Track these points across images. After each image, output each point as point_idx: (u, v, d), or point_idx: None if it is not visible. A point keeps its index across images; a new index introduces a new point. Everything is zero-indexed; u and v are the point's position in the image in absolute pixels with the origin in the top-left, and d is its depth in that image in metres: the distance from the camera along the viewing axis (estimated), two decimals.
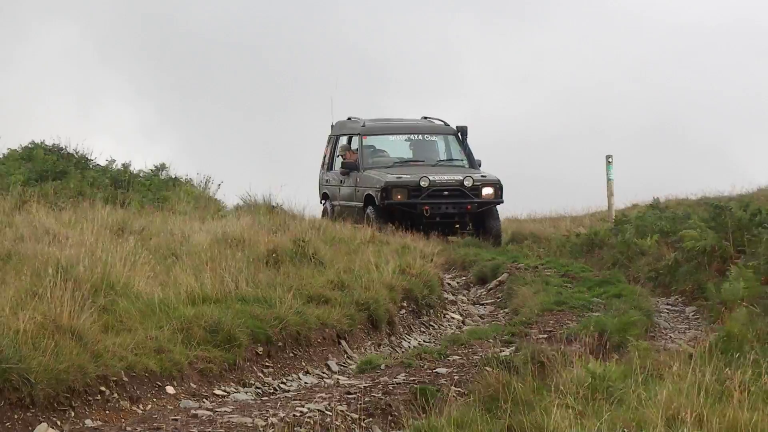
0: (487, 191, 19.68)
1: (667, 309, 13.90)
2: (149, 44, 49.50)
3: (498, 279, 15.37)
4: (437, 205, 19.42)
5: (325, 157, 22.02)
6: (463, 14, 50.19)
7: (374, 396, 8.81)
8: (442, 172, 19.90)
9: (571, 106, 48.14)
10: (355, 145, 20.92)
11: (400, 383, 9.25)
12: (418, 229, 18.57)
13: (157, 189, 21.16)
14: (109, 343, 8.78)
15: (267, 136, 45.78)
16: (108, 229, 13.14)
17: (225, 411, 8.45)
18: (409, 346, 12.01)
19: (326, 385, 9.64)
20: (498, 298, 14.78)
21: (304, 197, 21.98)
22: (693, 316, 13.40)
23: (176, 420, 8.18)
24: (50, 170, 20.86)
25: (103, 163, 22.70)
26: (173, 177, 23.04)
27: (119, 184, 20.42)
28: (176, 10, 50.42)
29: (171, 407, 8.68)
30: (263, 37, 49.78)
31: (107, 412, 8.36)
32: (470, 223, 19.67)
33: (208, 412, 8.41)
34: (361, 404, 8.54)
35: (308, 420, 8.20)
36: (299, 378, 10.18)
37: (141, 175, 22.51)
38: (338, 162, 21.33)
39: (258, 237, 13.76)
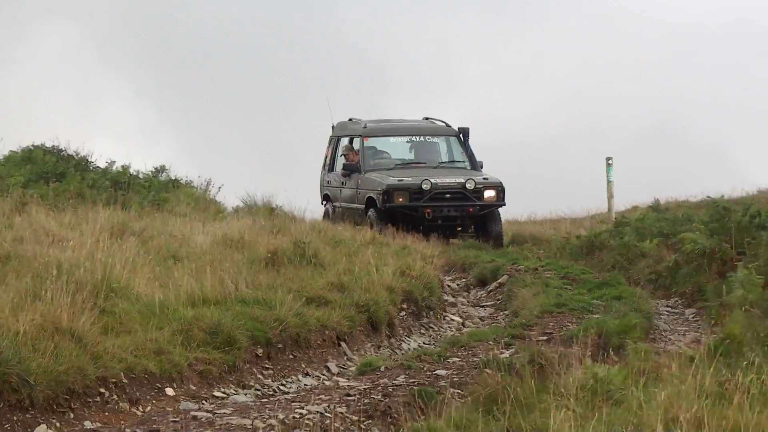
0: (489, 194, 19.62)
1: (667, 311, 13.90)
2: (149, 44, 49.51)
3: (498, 281, 15.37)
4: (439, 208, 19.38)
5: (326, 158, 21.97)
6: (463, 14, 50.21)
7: (374, 398, 8.81)
8: (443, 175, 19.83)
9: (571, 106, 48.15)
10: (356, 146, 20.89)
11: (399, 385, 9.24)
12: (419, 231, 18.54)
13: (157, 191, 21.15)
14: (108, 345, 8.78)
15: (267, 136, 45.79)
16: (108, 230, 13.13)
17: (224, 413, 8.45)
18: (409, 348, 12.00)
19: (326, 386, 9.64)
20: (498, 300, 14.78)
21: (305, 198, 21.97)
22: (693, 318, 13.40)
23: (176, 422, 8.18)
24: (50, 172, 20.85)
25: (102, 164, 22.70)
26: (173, 179, 23.03)
27: (119, 186, 20.41)
28: (176, 10, 50.43)
29: (170, 409, 8.68)
30: (263, 37, 49.79)
31: (106, 413, 8.36)
32: (472, 225, 19.63)
33: (208, 414, 8.41)
34: (360, 406, 8.54)
35: (308, 422, 8.20)
36: (299, 380, 10.18)
37: (141, 176, 22.50)
38: (340, 163, 21.28)
39: (258, 239, 13.76)
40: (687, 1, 50.44)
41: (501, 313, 14.06)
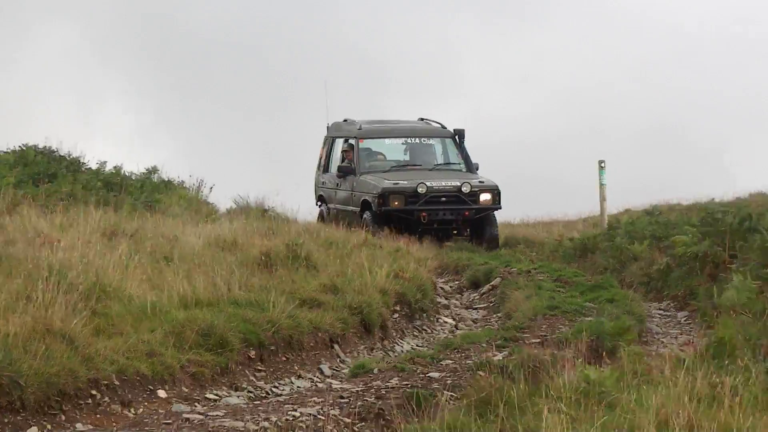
0: (485, 197, 19.58)
1: (659, 314, 13.91)
2: (148, 44, 49.52)
3: (491, 283, 15.37)
4: (435, 211, 19.34)
5: (320, 159, 21.90)
6: (462, 14, 50.27)
7: (367, 400, 8.80)
8: (439, 178, 19.77)
9: (570, 107, 48.24)
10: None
11: (392, 387, 9.24)
12: (414, 234, 18.50)
13: (149, 192, 21.11)
14: (100, 347, 8.76)
15: (267, 136, 45.80)
16: (100, 232, 13.11)
17: (217, 415, 8.44)
18: (402, 351, 12.00)
19: (319, 389, 9.63)
20: (491, 302, 14.78)
21: (303, 198, 21.88)
22: (685, 321, 13.42)
23: (168, 424, 8.16)
24: (42, 173, 20.81)
25: (94, 165, 22.65)
26: (166, 180, 22.99)
27: (111, 187, 20.37)
28: (176, 10, 50.43)
29: (162, 411, 8.66)
30: (262, 38, 49.83)
31: (98, 415, 8.34)
32: (468, 229, 19.60)
33: (200, 416, 8.40)
34: (353, 408, 8.53)
35: (301, 424, 8.19)
36: (292, 382, 10.17)
37: (134, 177, 22.47)
38: (334, 164, 21.21)
39: (251, 240, 13.75)
40: (686, 2, 50.57)
41: (494, 316, 14.06)
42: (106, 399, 8.48)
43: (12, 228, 12.98)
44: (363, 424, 8.42)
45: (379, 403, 8.72)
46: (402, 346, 12.23)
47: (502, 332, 11.99)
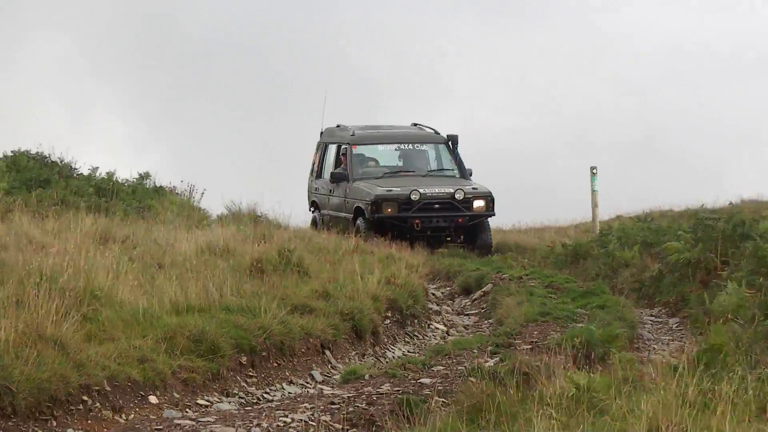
0: (478, 204, 19.54)
1: (650, 320, 13.92)
2: (140, 51, 49.49)
3: (482, 289, 15.37)
4: (428, 218, 19.30)
5: (314, 164, 21.84)
6: (457, 21, 50.37)
7: (358, 406, 8.80)
8: (432, 184, 19.73)
9: (562, 116, 48.34)
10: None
11: (384, 393, 9.24)
12: (407, 241, 18.45)
13: (141, 198, 21.10)
14: (91, 353, 8.76)
15: (260, 141, 45.79)
16: (92, 237, 13.10)
17: (208, 421, 8.43)
18: (394, 357, 12.00)
19: (310, 395, 9.62)
20: (482, 308, 14.79)
21: (297, 202, 21.85)
22: (676, 327, 13.43)
23: (159, 430, 8.16)
24: (34, 179, 20.78)
25: (86, 171, 22.64)
26: (158, 186, 22.98)
27: (103, 193, 20.35)
28: (172, 13, 50.42)
29: (154, 417, 8.65)
30: (260, 40, 49.83)
31: (89, 421, 8.33)
32: (461, 236, 19.58)
33: (191, 422, 8.39)
34: (344, 414, 8.53)
35: (292, 430, 8.19)
36: (283, 388, 10.16)
37: (126, 183, 22.45)
38: (328, 170, 21.15)
39: (243, 246, 13.74)
40: (676, 21, 50.78)
41: (485, 322, 14.06)
42: (98, 405, 8.47)
43: (4, 234, 12.97)
44: (354, 430, 8.42)
45: (371, 409, 8.72)
46: (393, 352, 12.23)
47: (494, 338, 12.00)
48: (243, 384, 9.89)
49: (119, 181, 22.38)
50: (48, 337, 8.51)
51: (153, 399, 8.91)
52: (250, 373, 10.08)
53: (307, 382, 10.46)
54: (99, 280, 10.20)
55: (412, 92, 49.45)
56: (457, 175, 20.39)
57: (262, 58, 49.30)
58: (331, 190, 20.78)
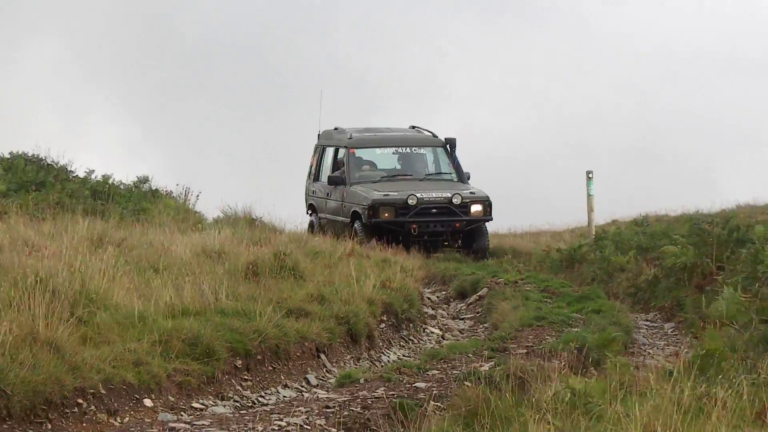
0: (475, 208, 19.51)
1: (646, 325, 13.92)
2: (139, 53, 49.49)
3: (478, 294, 15.37)
4: (425, 223, 19.27)
5: (311, 167, 21.81)
6: (455, 25, 50.41)
7: (353, 410, 8.80)
8: (430, 189, 19.68)
9: (557, 121, 48.37)
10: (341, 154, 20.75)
11: (379, 397, 9.23)
12: (403, 245, 18.42)
13: (137, 201, 21.08)
14: (86, 356, 8.75)
15: (256, 145, 45.79)
16: (87, 240, 13.09)
17: (203, 424, 8.43)
18: (389, 361, 11.99)
19: (305, 398, 9.62)
20: (478, 312, 14.79)
21: (293, 207, 21.83)
22: (672, 332, 13.43)
23: None
24: (30, 181, 20.77)
25: (82, 174, 22.61)
26: (153, 189, 22.96)
27: (99, 196, 20.34)
28: (174, 10, 50.43)
29: (149, 420, 8.65)
30: (257, 42, 49.82)
31: (84, 424, 8.32)
32: (458, 240, 19.56)
33: (186, 426, 8.38)
34: (339, 418, 8.52)
35: None
36: (278, 391, 10.16)
37: (122, 187, 22.44)
38: (325, 173, 21.12)
39: (238, 250, 13.73)
40: (673, 25, 50.86)
41: (481, 326, 14.06)
42: (93, 408, 8.47)
43: (0, 236, 12.96)
44: None
45: (366, 413, 8.72)
46: (388, 356, 12.22)
47: (489, 343, 12.00)
48: (238, 387, 9.89)
49: (115, 183, 22.37)
50: (43, 340, 8.50)
51: (148, 402, 8.91)
52: (245, 377, 10.07)
53: (302, 386, 10.45)
54: (94, 283, 10.19)
55: (410, 93, 49.49)
56: (455, 179, 20.36)
57: (260, 59, 49.33)
58: (328, 194, 20.75)
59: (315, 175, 21.53)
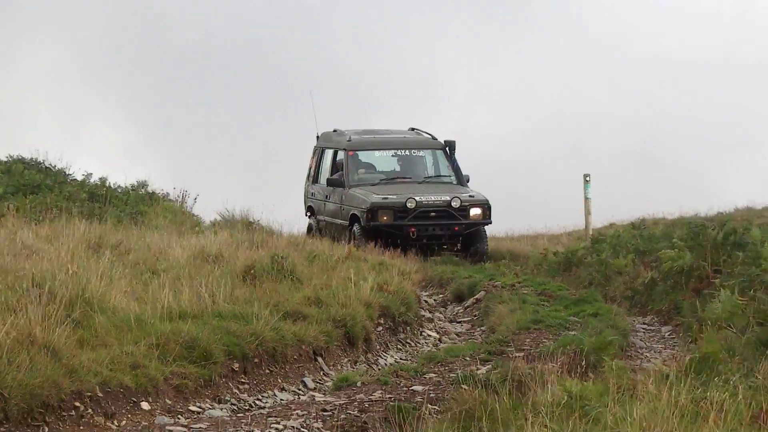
0: (475, 212, 19.47)
1: (643, 328, 13.93)
2: (137, 56, 49.49)
3: (475, 297, 15.38)
4: (424, 227, 19.22)
5: (310, 169, 21.78)
6: (453, 29, 50.45)
7: (350, 413, 8.80)
8: (429, 192, 19.64)
9: (555, 126, 48.42)
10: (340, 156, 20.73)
11: (376, 401, 9.24)
12: (402, 248, 18.39)
13: (134, 204, 21.09)
14: (84, 359, 8.75)
15: (254, 147, 45.81)
16: (85, 243, 13.09)
17: (200, 427, 8.43)
18: (386, 364, 12.00)
19: (302, 402, 9.62)
20: (475, 315, 14.79)
21: (291, 209, 21.81)
22: (669, 335, 13.44)
23: None
24: (28, 184, 20.77)
25: (80, 177, 22.63)
26: (151, 192, 22.97)
27: (96, 199, 20.34)
28: (171, 14, 50.42)
29: (146, 423, 8.65)
30: (255, 45, 49.87)
31: (81, 427, 8.32)
32: (457, 244, 19.55)
33: (183, 429, 8.39)
34: (337, 421, 8.53)
35: None
36: (275, 395, 10.16)
37: (119, 190, 22.45)
38: (324, 175, 21.11)
39: (236, 253, 13.74)
40: (672, 29, 50.93)
41: (478, 329, 14.07)
42: (90, 411, 8.46)
43: None
44: None
45: (363, 416, 8.72)
46: (385, 360, 12.23)
47: (486, 346, 12.01)
48: (235, 390, 9.89)
49: (112, 186, 22.38)
50: (40, 343, 8.50)
51: (145, 405, 8.91)
52: (242, 380, 10.07)
53: (299, 389, 10.45)
54: (91, 286, 10.19)
55: (409, 95, 49.50)
56: (454, 182, 20.33)
57: (258, 61, 49.36)
58: (327, 196, 20.73)
59: (314, 177, 21.50)
